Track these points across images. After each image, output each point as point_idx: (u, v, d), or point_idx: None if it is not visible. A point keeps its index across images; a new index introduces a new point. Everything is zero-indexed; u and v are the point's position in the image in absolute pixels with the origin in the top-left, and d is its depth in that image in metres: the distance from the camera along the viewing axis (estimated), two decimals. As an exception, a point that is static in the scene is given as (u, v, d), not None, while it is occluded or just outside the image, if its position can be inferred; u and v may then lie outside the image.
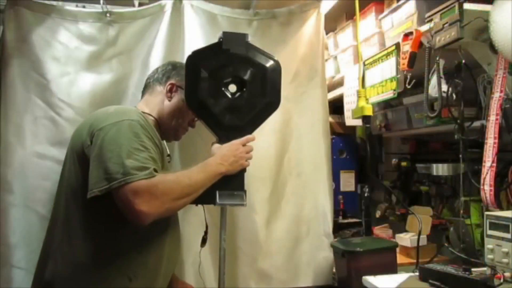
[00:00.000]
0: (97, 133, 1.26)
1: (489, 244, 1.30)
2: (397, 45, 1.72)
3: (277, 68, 1.50)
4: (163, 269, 1.39)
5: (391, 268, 1.64)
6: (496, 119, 1.44)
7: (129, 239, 1.30)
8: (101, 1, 1.80)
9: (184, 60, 1.48)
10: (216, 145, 1.45)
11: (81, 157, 1.30)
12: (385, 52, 1.83)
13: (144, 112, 1.44)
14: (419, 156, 2.19)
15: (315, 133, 2.07)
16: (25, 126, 1.72)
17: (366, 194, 2.10)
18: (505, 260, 1.24)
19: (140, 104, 1.54)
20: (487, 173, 1.44)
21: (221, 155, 1.39)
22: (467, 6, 1.37)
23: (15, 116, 1.71)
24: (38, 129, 1.68)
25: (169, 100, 1.50)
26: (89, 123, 1.33)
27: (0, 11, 1.79)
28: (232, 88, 1.47)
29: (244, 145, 1.45)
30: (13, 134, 1.71)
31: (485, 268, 1.32)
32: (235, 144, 1.43)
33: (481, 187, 1.45)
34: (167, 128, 1.52)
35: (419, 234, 1.70)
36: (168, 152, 1.60)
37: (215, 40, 1.51)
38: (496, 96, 1.44)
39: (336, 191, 2.38)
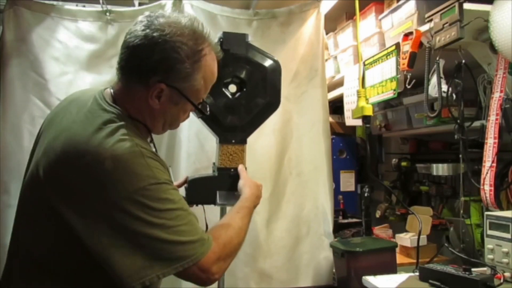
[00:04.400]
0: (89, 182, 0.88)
1: (489, 244, 1.30)
2: (397, 45, 1.72)
3: (277, 68, 1.50)
4: None
5: (390, 268, 1.64)
6: (496, 119, 1.44)
7: None
8: (101, 0, 1.80)
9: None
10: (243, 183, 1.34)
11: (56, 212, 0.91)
12: (385, 52, 1.82)
13: (131, 117, 1.03)
14: (419, 156, 2.19)
15: (315, 133, 2.07)
16: (23, 125, 1.72)
17: (366, 194, 2.10)
18: (505, 260, 1.24)
19: (121, 99, 1.04)
20: (487, 173, 1.44)
21: (256, 196, 1.31)
22: (467, 6, 1.37)
23: (13, 116, 1.71)
24: (35, 128, 1.67)
25: (157, 107, 1.04)
26: (67, 156, 0.92)
27: (0, 11, 1.79)
28: (232, 88, 1.46)
29: None
30: (11, 134, 1.71)
31: (485, 268, 1.32)
32: (258, 183, 1.36)
33: (481, 187, 1.45)
34: (157, 132, 1.14)
35: (419, 234, 1.69)
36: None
37: (215, 40, 1.50)
38: (496, 96, 1.45)
39: (336, 191, 2.38)
